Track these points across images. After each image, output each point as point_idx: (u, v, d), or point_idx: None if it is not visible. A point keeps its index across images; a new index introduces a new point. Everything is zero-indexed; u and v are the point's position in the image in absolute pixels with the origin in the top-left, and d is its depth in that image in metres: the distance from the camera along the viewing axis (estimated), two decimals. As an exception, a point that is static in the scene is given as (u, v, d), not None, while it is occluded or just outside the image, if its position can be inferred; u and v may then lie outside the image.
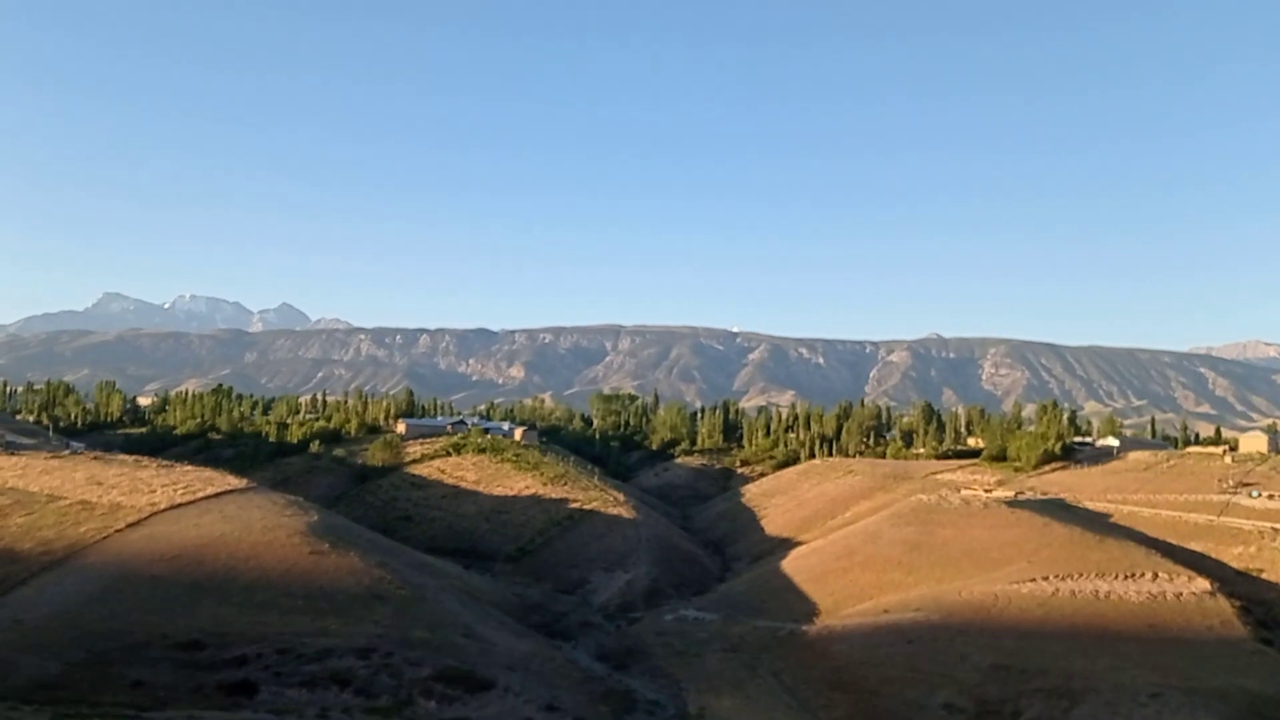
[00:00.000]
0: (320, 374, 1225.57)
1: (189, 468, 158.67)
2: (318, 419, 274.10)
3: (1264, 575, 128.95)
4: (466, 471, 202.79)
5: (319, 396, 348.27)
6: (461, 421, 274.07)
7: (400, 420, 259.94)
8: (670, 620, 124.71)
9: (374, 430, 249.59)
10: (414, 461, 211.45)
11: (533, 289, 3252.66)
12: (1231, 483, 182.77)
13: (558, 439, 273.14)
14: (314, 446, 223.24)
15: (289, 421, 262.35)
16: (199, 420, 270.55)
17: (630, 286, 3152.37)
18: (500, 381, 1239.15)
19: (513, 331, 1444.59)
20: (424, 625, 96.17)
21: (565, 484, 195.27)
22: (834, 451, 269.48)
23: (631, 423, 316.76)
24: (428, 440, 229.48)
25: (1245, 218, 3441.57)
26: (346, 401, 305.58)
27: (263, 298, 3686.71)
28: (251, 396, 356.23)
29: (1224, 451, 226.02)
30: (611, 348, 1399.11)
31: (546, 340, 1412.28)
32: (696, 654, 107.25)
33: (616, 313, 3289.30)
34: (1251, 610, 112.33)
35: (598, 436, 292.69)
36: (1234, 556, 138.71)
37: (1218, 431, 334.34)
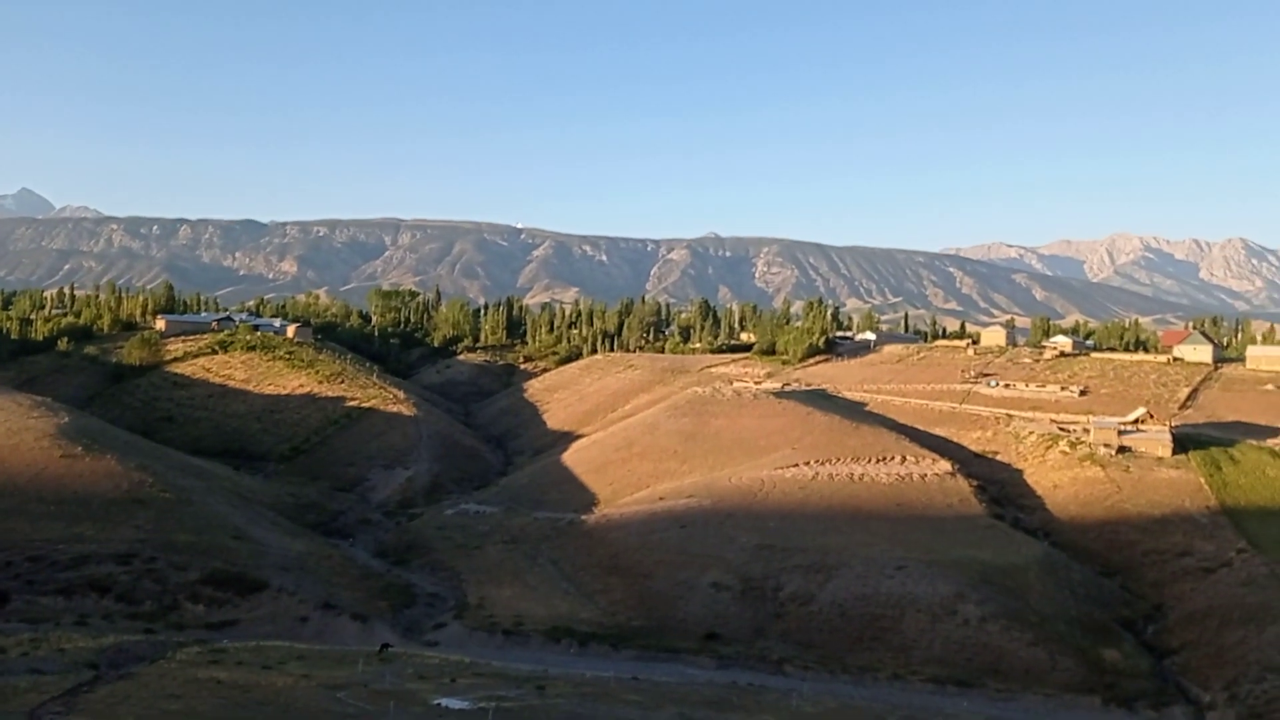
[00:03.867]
0: (67, 266, 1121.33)
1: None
2: (65, 314, 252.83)
3: (998, 457, 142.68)
4: (235, 370, 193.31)
5: (66, 290, 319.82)
6: (228, 318, 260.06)
7: (159, 317, 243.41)
8: (451, 514, 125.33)
9: (130, 327, 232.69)
10: (176, 360, 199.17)
11: (306, 178, 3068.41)
12: (973, 373, 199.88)
13: (334, 336, 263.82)
14: (62, 344, 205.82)
15: (33, 317, 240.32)
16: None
17: (411, 179, 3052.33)
18: (271, 276, 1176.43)
19: (284, 224, 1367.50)
20: (190, 529, 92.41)
21: (342, 382, 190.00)
22: (616, 347, 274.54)
23: (412, 320, 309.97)
24: (191, 338, 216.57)
25: (991, 124, 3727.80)
26: (98, 296, 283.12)
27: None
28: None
29: (967, 345, 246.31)
30: (391, 242, 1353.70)
31: (321, 233, 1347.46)
32: (477, 546, 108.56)
33: (396, 206, 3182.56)
34: (986, 488, 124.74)
35: (377, 334, 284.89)
36: (973, 440, 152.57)
37: (962, 327, 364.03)
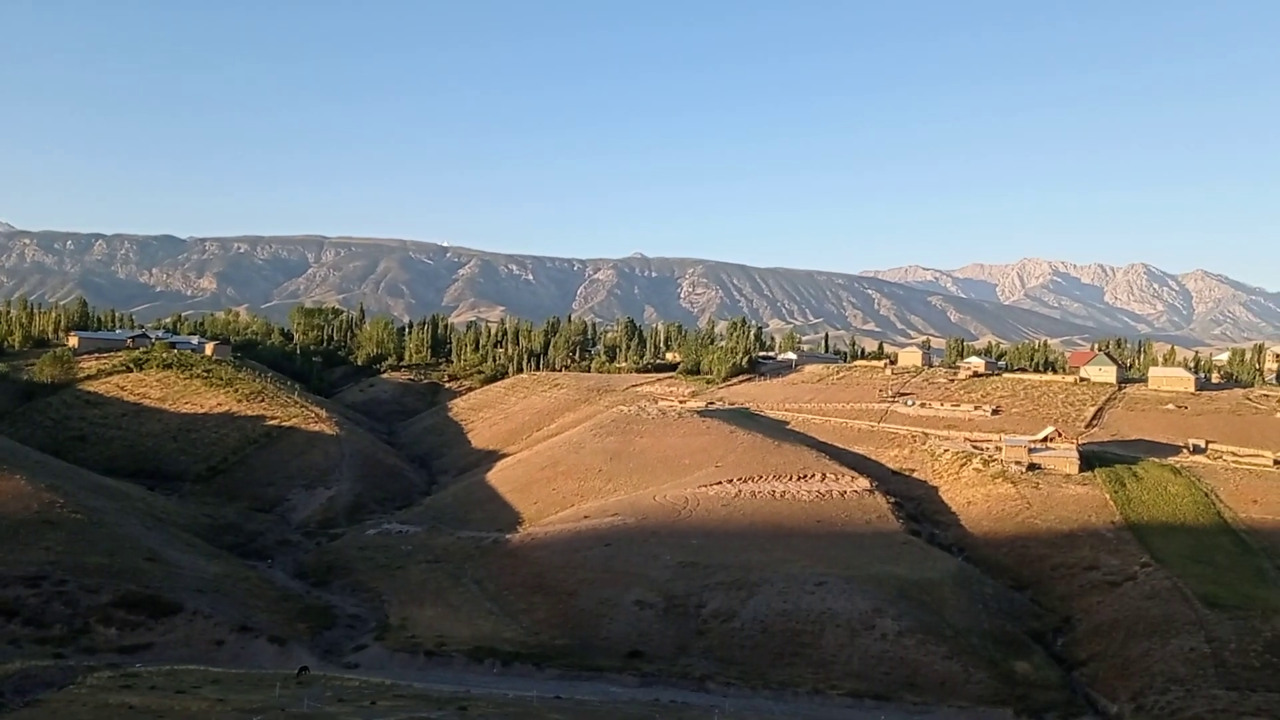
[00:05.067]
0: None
1: None
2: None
3: (915, 474, 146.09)
4: (150, 388, 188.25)
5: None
6: (144, 335, 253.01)
7: (73, 333, 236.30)
8: (373, 534, 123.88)
9: (42, 344, 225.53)
10: (89, 378, 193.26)
11: (227, 193, 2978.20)
12: (891, 393, 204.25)
13: (254, 354, 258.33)
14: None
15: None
16: None
17: (336, 196, 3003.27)
18: (189, 293, 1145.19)
19: (203, 240, 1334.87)
20: (102, 551, 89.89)
21: (262, 401, 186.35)
22: (541, 366, 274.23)
23: (336, 338, 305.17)
24: (105, 355, 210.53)
25: (908, 157, 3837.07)
26: (9, 312, 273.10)
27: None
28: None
29: (885, 365, 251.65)
30: (314, 260, 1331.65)
31: (242, 250, 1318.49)
32: (400, 566, 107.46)
33: (320, 223, 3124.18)
34: (904, 505, 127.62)
35: (299, 352, 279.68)
36: (891, 458, 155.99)
37: (881, 347, 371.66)
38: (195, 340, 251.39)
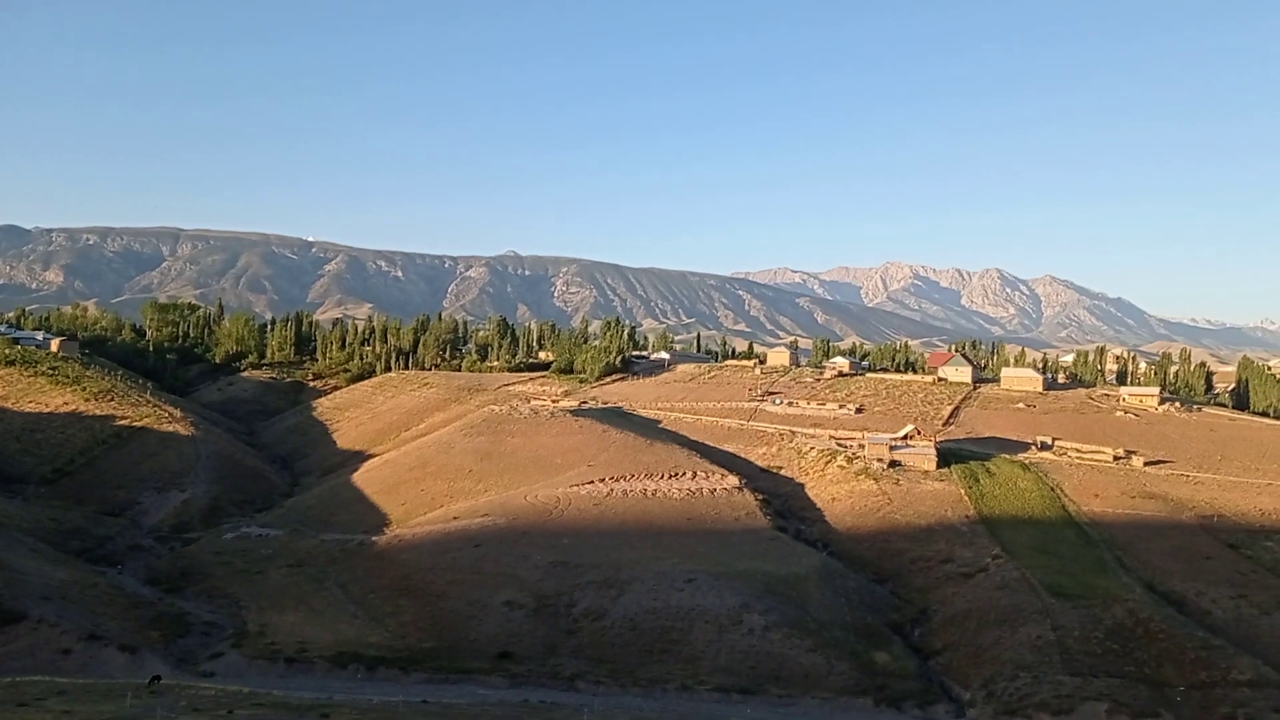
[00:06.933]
0: None
1: None
2: None
3: (783, 471, 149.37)
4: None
5: None
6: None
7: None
8: (231, 538, 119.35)
9: None
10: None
11: (76, 182, 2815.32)
12: (760, 392, 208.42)
13: (104, 352, 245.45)
14: None
15: None
16: None
17: (193, 186, 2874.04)
18: (34, 286, 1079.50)
19: (50, 230, 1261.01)
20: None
21: (112, 400, 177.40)
22: (411, 364, 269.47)
23: (192, 335, 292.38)
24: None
25: (777, 156, 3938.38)
26: None
27: None
28: None
29: (755, 365, 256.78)
30: (170, 253, 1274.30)
31: (91, 241, 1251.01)
32: (259, 571, 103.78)
33: (176, 215, 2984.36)
34: (771, 502, 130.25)
35: (152, 349, 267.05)
36: (760, 456, 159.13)
37: (751, 347, 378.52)
38: (40, 336, 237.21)
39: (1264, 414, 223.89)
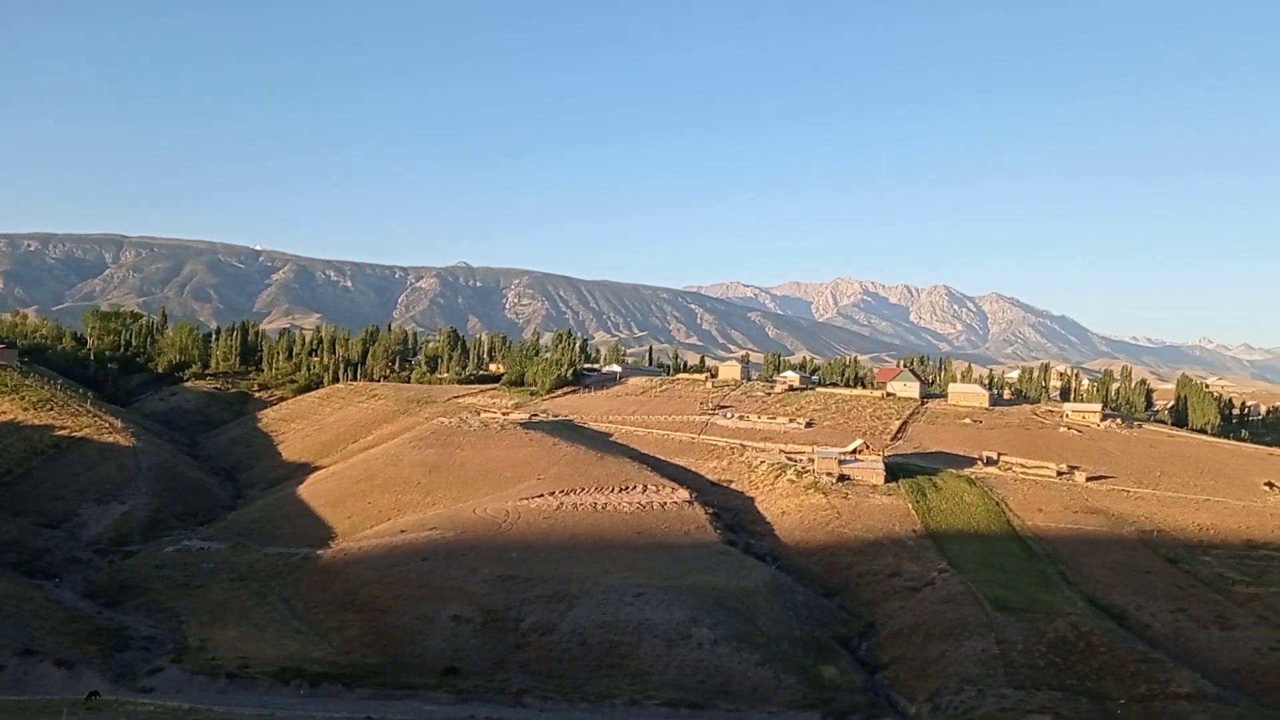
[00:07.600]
0: None
1: None
2: None
3: (733, 485, 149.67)
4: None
5: None
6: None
7: None
8: (172, 551, 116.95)
9: None
10: None
11: (15, 186, 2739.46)
12: (711, 406, 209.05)
13: (43, 360, 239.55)
14: None
15: None
16: None
17: (137, 193, 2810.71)
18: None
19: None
20: None
21: (51, 409, 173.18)
22: (359, 376, 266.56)
23: (135, 343, 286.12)
24: None
25: (729, 171, 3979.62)
26: None
27: None
28: None
29: (706, 379, 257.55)
30: (112, 260, 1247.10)
31: (32, 247, 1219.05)
32: (200, 585, 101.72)
33: (119, 221, 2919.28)
34: (721, 516, 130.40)
35: (93, 358, 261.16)
36: (710, 469, 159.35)
37: (702, 361, 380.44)
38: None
39: (1202, 430, 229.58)
